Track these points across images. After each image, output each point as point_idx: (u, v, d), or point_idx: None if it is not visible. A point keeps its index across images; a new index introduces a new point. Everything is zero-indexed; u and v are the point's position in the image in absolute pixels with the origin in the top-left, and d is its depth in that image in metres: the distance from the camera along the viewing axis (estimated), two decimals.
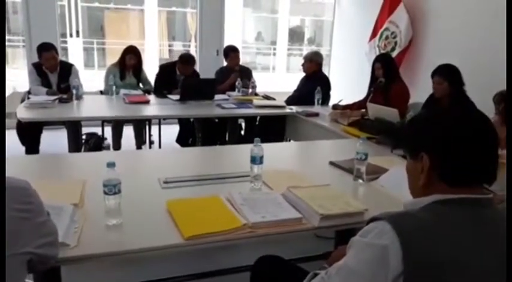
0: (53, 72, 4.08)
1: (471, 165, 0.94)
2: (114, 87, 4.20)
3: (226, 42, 5.89)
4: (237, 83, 4.58)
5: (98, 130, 4.38)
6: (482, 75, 3.64)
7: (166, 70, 4.64)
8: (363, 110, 3.50)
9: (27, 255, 0.98)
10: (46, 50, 3.99)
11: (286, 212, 1.53)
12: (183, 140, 4.57)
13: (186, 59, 4.54)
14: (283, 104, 4.18)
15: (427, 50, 4.63)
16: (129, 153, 3.20)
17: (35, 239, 1.00)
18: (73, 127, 3.79)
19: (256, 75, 4.95)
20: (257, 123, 4.47)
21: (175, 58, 4.73)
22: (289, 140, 4.05)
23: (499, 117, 2.35)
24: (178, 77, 4.52)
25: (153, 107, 3.90)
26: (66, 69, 4.14)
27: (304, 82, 4.57)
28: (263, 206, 1.57)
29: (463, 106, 1.06)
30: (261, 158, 1.80)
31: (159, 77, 4.60)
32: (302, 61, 4.58)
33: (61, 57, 4.61)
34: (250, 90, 4.53)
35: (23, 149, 3.88)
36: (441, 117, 1.00)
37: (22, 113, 3.31)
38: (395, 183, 1.83)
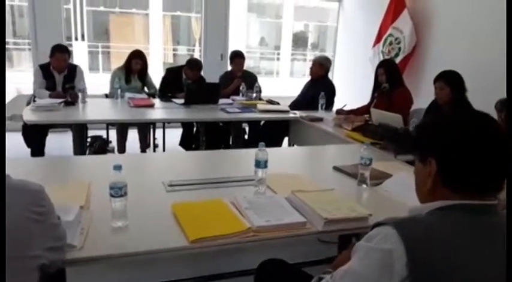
0: (60, 74, 4.13)
1: (477, 174, 0.94)
2: (119, 91, 4.23)
3: (231, 47, 5.92)
4: (241, 88, 4.60)
5: (102, 133, 4.40)
6: (485, 82, 3.64)
7: (172, 73, 4.68)
8: (367, 116, 3.51)
9: (37, 259, 0.99)
10: (60, 51, 4.07)
11: (290, 216, 1.54)
12: (186, 143, 4.59)
13: (194, 64, 4.58)
14: (287, 108, 4.19)
15: (431, 56, 4.63)
16: (133, 157, 3.21)
17: (44, 241, 1.02)
18: (78, 130, 3.81)
19: (260, 79, 4.96)
20: (261, 127, 4.48)
21: (180, 62, 4.76)
22: (293, 145, 4.06)
23: (502, 124, 2.36)
24: (184, 81, 4.55)
25: (158, 111, 3.92)
26: (72, 70, 4.19)
27: (308, 87, 4.58)
28: (267, 209, 1.57)
29: (474, 113, 1.05)
30: (266, 162, 1.80)
31: (165, 79, 4.64)
32: (308, 65, 4.58)
33: None
34: (254, 95, 4.54)
35: (28, 151, 3.90)
36: (451, 124, 0.99)
37: (28, 115, 3.33)
38: (399, 189, 1.84)
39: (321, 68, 4.46)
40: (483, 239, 0.91)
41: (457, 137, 0.95)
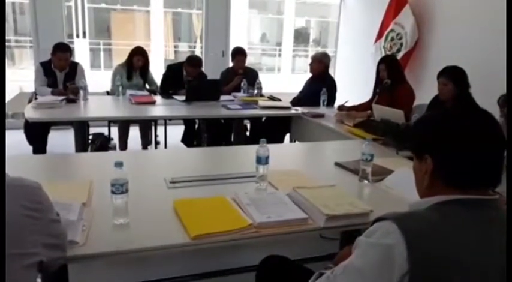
0: (62, 71, 4.13)
1: (473, 169, 0.94)
2: (120, 88, 4.23)
3: (232, 43, 5.91)
4: (242, 84, 4.60)
5: (104, 130, 4.40)
6: (488, 78, 3.63)
7: (173, 70, 4.67)
8: (369, 112, 3.50)
9: (34, 256, 0.98)
10: (62, 50, 4.06)
11: (291, 212, 1.54)
12: (188, 140, 4.59)
13: (193, 61, 4.58)
14: (289, 105, 4.18)
15: (433, 52, 4.62)
16: (135, 153, 3.22)
17: (41, 238, 1.01)
18: (80, 127, 3.82)
19: (261, 76, 4.95)
20: (262, 124, 4.48)
21: (181, 59, 4.75)
22: (295, 141, 4.06)
23: (504, 120, 2.35)
24: (185, 78, 4.55)
25: (159, 108, 3.92)
26: (73, 68, 4.20)
27: (309, 83, 4.58)
28: (269, 206, 1.57)
29: (470, 109, 1.04)
30: (267, 158, 1.80)
31: (166, 76, 4.64)
32: (309, 61, 4.57)
33: None
34: (255, 91, 4.54)
35: (30, 148, 3.91)
36: (445, 120, 0.99)
37: (30, 113, 3.34)
38: (400, 185, 1.84)
39: (320, 65, 4.44)
40: (483, 233, 0.91)
41: (450, 135, 0.95)
